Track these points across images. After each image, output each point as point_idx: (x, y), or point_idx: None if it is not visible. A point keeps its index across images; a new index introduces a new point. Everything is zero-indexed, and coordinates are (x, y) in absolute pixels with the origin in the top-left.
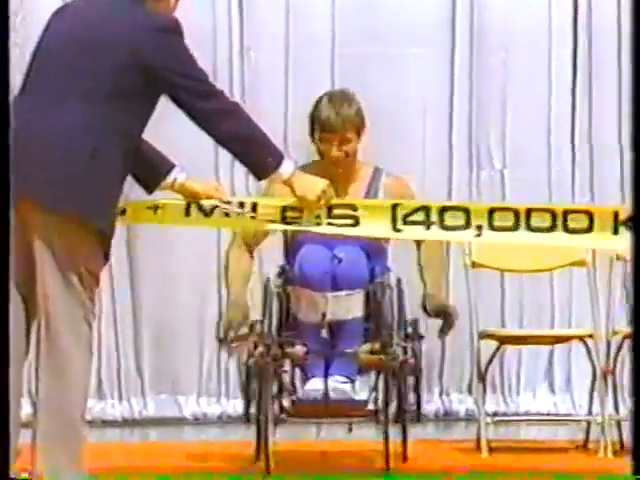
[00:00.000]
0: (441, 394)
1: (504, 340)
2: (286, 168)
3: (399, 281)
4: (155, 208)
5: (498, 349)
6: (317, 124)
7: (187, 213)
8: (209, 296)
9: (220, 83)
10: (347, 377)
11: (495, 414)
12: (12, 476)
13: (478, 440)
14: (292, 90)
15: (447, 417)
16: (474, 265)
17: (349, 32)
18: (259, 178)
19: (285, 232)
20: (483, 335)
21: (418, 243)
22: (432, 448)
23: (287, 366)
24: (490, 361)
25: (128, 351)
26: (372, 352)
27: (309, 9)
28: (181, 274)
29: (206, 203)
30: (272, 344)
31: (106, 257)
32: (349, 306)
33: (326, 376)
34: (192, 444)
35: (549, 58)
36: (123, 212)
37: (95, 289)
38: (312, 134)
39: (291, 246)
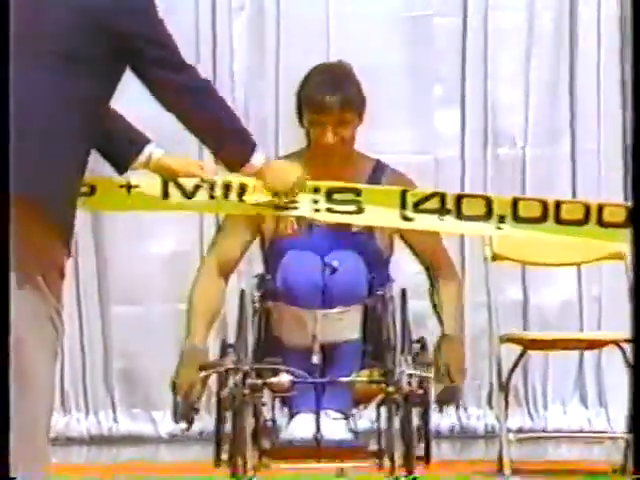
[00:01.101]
0: (457, 408)
1: (529, 345)
2: (258, 158)
3: (404, 293)
4: (128, 187)
5: (522, 355)
6: (308, 104)
7: (165, 195)
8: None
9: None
10: (341, 412)
11: (519, 431)
12: (12, 476)
13: (500, 460)
14: (284, 60)
15: (464, 434)
16: (495, 257)
17: None
18: (231, 169)
19: (262, 235)
20: (505, 339)
21: (431, 280)
22: (447, 470)
23: (267, 398)
24: (513, 369)
25: (96, 357)
26: (371, 381)
27: None
28: (156, 270)
29: (187, 183)
30: (250, 372)
31: (67, 247)
32: (344, 325)
33: (317, 411)
34: (169, 465)
35: (572, 19)
36: (92, 192)
37: (60, 283)
38: (300, 116)
39: (272, 251)
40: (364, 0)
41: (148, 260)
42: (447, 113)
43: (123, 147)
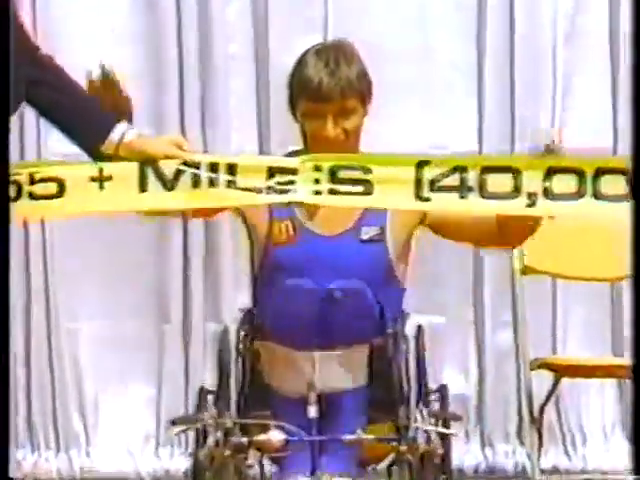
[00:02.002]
0: (483, 444)
1: (565, 371)
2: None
3: (419, 330)
4: (100, 181)
5: (557, 383)
6: (302, 91)
7: (143, 188)
8: (169, 308)
9: None
10: (345, 476)
11: (555, 471)
12: (11, 476)
13: None
14: (273, 44)
15: (491, 474)
16: (526, 271)
17: None
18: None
19: (252, 255)
20: (537, 364)
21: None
22: None
23: (253, 458)
24: (547, 399)
25: (66, 384)
26: (381, 438)
27: None
28: (132, 281)
29: (166, 170)
30: (233, 428)
31: None
32: (347, 370)
33: (315, 475)
34: None
35: None
36: (60, 190)
37: None
38: (293, 107)
39: (260, 277)
40: None
41: (124, 276)
42: (465, 102)
43: (89, 127)
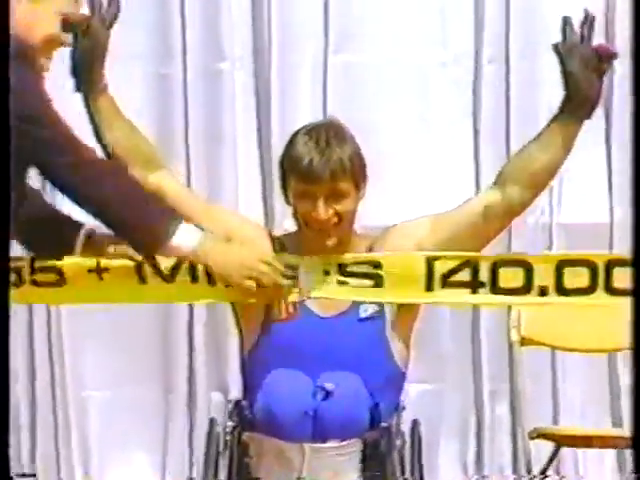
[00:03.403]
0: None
1: (565, 441)
2: (186, 237)
3: (415, 425)
4: (99, 271)
5: (556, 453)
6: (292, 172)
7: (141, 278)
8: (173, 377)
9: None
10: None
11: None
12: (12, 476)
13: None
14: (277, 116)
15: None
16: (524, 342)
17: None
18: (146, 253)
19: (242, 344)
20: (536, 434)
21: None
22: None
23: None
24: (545, 469)
25: (72, 453)
26: None
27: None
28: (136, 349)
29: (162, 262)
30: None
31: None
32: (338, 464)
33: None
34: None
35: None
36: (60, 280)
37: None
38: (284, 189)
39: (251, 368)
40: (364, 40)
41: (124, 341)
42: (462, 175)
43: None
